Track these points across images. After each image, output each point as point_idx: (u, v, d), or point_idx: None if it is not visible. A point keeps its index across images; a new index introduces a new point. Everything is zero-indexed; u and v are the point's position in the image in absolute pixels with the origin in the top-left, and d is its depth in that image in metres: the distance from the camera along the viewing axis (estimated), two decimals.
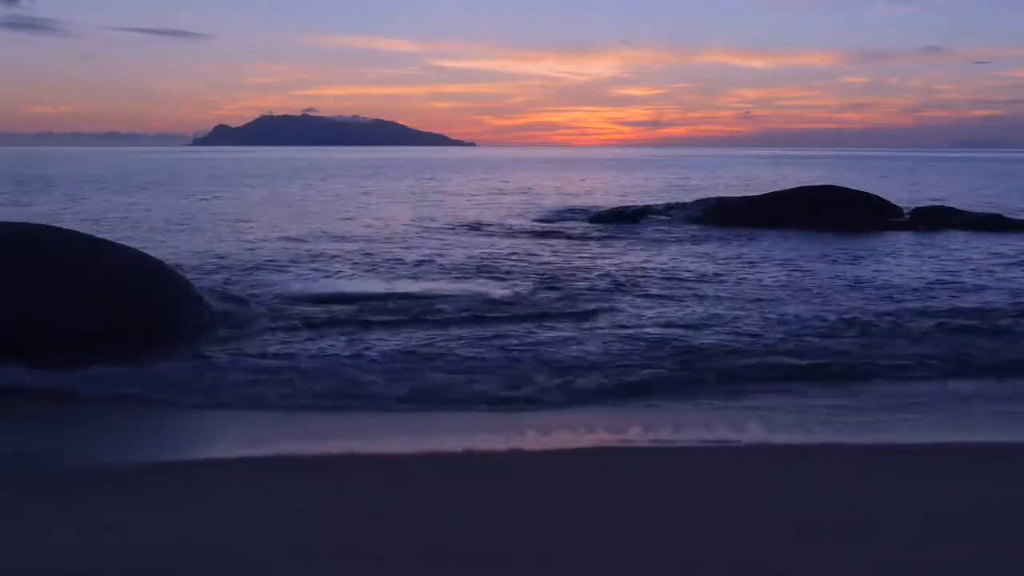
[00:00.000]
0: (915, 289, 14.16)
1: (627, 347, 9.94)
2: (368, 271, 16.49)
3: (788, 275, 15.54)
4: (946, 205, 27.14)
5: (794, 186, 27.75)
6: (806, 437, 7.40)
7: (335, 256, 18.53)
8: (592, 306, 12.41)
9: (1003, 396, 8.57)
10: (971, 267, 16.91)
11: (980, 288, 14.42)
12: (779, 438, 7.39)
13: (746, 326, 11.09)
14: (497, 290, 13.75)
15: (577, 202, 34.57)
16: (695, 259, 17.83)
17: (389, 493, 6.09)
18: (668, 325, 11.16)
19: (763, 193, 27.09)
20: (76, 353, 9.54)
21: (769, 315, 11.73)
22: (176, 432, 7.41)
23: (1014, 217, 25.97)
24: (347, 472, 6.62)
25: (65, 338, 9.91)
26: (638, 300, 13.08)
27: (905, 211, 25.42)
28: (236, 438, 7.33)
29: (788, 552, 4.81)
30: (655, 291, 13.84)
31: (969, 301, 13.14)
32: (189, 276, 12.88)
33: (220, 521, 5.39)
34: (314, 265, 17.16)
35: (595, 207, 30.53)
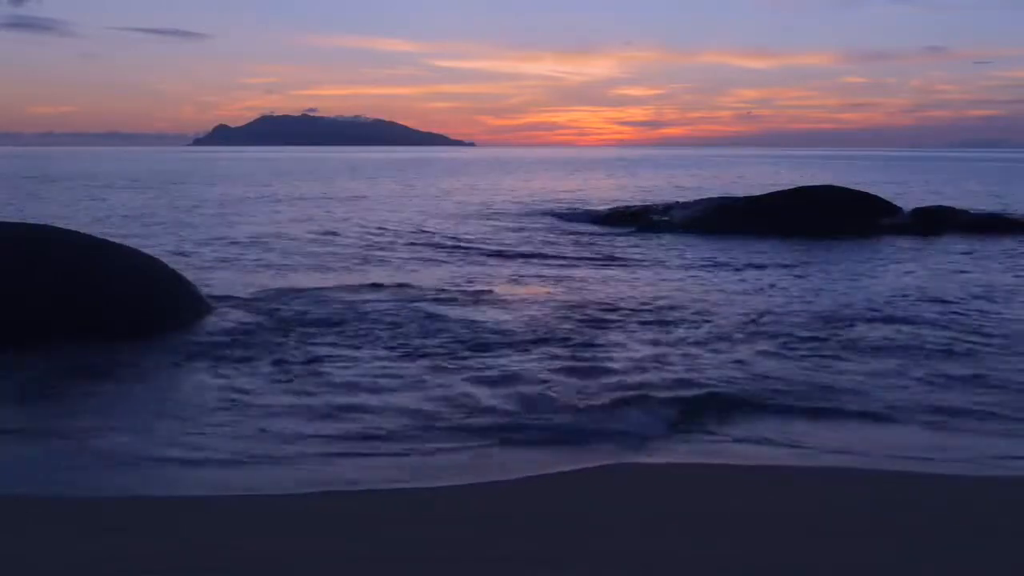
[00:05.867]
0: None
1: None
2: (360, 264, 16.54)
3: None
4: (946, 205, 27.12)
5: (794, 186, 27.70)
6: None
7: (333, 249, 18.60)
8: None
9: None
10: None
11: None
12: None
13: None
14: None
15: (580, 202, 34.67)
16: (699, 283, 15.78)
17: (392, 494, 6.09)
18: None
19: (763, 193, 27.07)
20: (77, 352, 9.58)
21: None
22: (177, 432, 7.40)
23: (1015, 216, 25.99)
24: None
25: (66, 337, 9.92)
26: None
27: (905, 211, 25.41)
28: (239, 438, 7.32)
29: (787, 552, 4.81)
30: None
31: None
32: (189, 274, 12.90)
33: (222, 521, 5.39)
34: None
35: (596, 208, 30.61)
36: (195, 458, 6.79)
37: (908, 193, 40.01)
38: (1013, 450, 7.16)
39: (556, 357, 9.78)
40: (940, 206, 26.71)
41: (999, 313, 12.70)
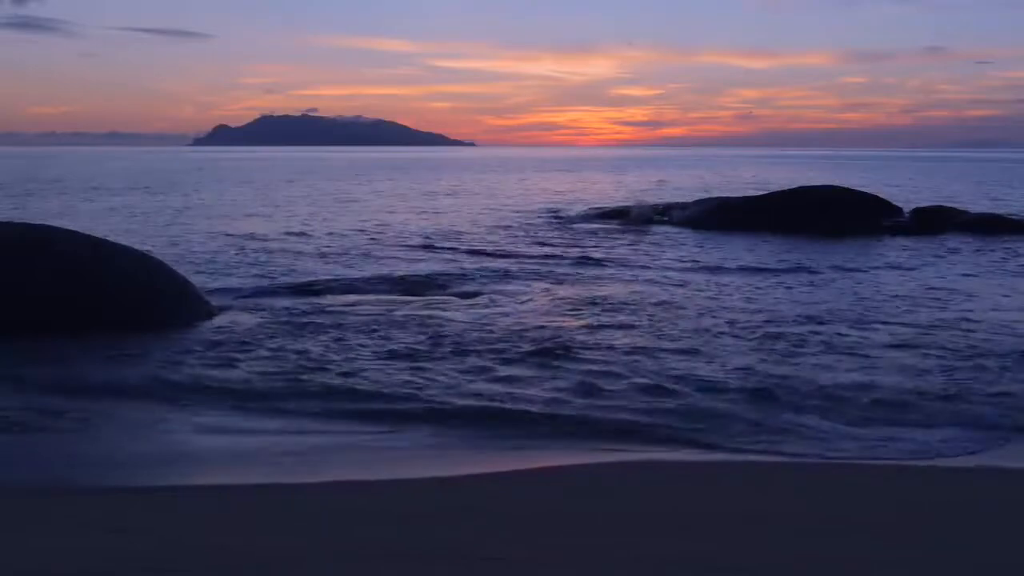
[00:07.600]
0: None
1: None
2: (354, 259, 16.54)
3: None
4: (946, 205, 27.12)
5: (793, 186, 27.70)
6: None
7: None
8: None
9: None
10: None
11: None
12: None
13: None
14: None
15: (579, 202, 34.70)
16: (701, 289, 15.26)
17: (386, 492, 6.10)
18: None
19: (762, 193, 27.07)
20: (77, 351, 9.59)
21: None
22: (178, 431, 7.42)
23: (1014, 216, 26.00)
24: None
25: (66, 336, 9.94)
26: None
27: (905, 211, 25.41)
28: (238, 438, 7.33)
29: (787, 552, 4.82)
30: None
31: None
32: (188, 273, 12.91)
33: (222, 519, 5.39)
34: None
35: (595, 207, 30.66)
36: (197, 456, 6.81)
37: (908, 193, 40.00)
38: (1013, 448, 7.18)
39: (557, 357, 9.80)
40: (940, 206, 26.70)
41: (1002, 315, 12.71)
